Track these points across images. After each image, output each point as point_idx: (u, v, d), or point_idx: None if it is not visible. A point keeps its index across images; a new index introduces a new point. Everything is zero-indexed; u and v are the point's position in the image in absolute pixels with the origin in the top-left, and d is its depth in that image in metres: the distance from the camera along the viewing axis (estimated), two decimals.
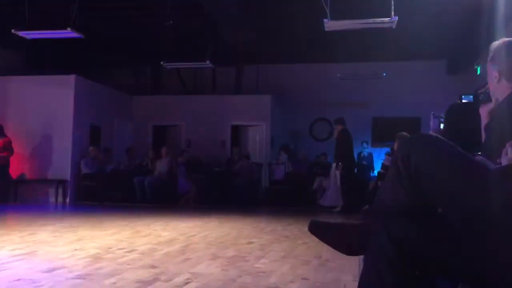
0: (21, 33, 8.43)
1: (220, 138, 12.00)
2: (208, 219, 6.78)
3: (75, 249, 3.83)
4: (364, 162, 11.43)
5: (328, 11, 6.75)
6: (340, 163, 8.64)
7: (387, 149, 9.38)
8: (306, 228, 5.31)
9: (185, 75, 12.86)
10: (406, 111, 11.62)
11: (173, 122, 12.48)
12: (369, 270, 1.34)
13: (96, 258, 3.46)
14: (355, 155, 10.20)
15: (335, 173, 8.93)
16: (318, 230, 1.54)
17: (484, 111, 1.83)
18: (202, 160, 11.29)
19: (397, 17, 6.63)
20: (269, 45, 11.21)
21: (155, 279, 2.78)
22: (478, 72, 9.55)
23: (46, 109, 10.34)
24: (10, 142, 9.64)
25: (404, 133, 5.79)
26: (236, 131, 12.27)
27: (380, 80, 11.51)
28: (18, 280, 2.70)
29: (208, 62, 9.70)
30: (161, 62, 9.87)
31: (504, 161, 1.39)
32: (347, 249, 1.51)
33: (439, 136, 1.41)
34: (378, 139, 11.99)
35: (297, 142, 12.36)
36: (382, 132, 11.83)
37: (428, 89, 11.60)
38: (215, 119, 11.95)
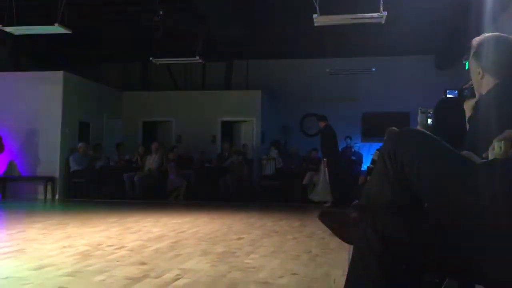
0: (8, 29, 8.33)
1: (211, 134, 11.97)
2: (198, 215, 6.77)
3: (64, 247, 3.81)
4: (354, 157, 11.47)
5: (317, 6, 6.74)
6: (325, 159, 8.67)
7: (377, 144, 9.44)
8: (295, 223, 5.36)
9: (174, 70, 12.81)
10: (396, 106, 11.68)
11: (163, 118, 12.43)
12: (357, 264, 1.35)
13: (85, 255, 3.44)
14: (340, 150, 10.26)
15: (325, 168, 8.96)
16: (327, 218, 1.59)
17: (468, 106, 1.85)
18: (192, 156, 11.28)
19: (386, 12, 6.65)
20: (259, 41, 11.20)
21: (145, 276, 2.78)
22: (467, 67, 9.61)
23: (34, 106, 10.23)
24: (1, 139, 9.62)
25: (395, 128, 5.82)
26: (227, 126, 12.25)
27: (370, 75, 11.55)
28: (6, 278, 2.68)
29: (197, 57, 9.67)
30: (150, 58, 9.81)
31: (491, 156, 1.40)
32: (345, 238, 1.55)
33: (426, 131, 1.42)
34: (368, 134, 12.05)
35: (287, 137, 12.39)
36: (371, 127, 11.89)
37: (417, 84, 11.67)
38: (205, 115, 11.93)
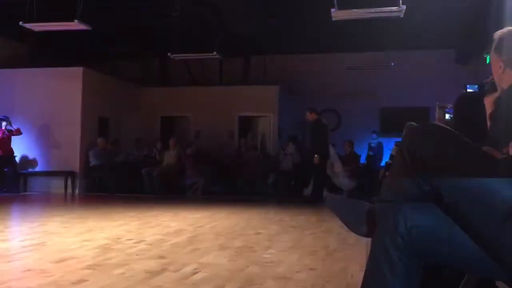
0: (29, 25, 8.46)
1: (228, 129, 12.00)
2: (215, 210, 6.81)
3: (84, 240, 3.87)
4: (371, 153, 11.39)
5: (335, 1, 6.70)
6: (316, 155, 8.36)
7: (396, 139, 9.35)
8: (313, 218, 5.35)
9: (192, 66, 12.86)
10: (414, 101, 11.54)
11: (181, 113, 12.50)
12: (375, 260, 1.34)
13: (105, 248, 3.50)
14: (366, 145, 10.23)
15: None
16: (333, 204, 1.58)
17: (489, 101, 1.82)
18: (210, 151, 11.32)
19: (405, 6, 6.57)
20: (276, 35, 11.16)
21: (164, 269, 2.81)
22: (488, 61, 9.47)
23: (55, 101, 10.40)
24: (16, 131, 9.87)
25: (413, 123, 5.76)
26: (244, 122, 12.26)
27: (388, 70, 11.42)
28: (29, 270, 2.74)
29: (215, 53, 9.69)
30: (168, 54, 9.87)
31: None
32: (356, 229, 1.53)
33: (445, 126, 1.41)
34: (386, 130, 11.94)
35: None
36: (390, 122, 11.77)
37: (437, 79, 11.51)
38: (223, 110, 11.95)
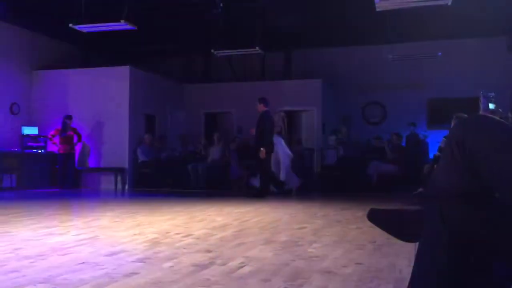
0: (78, 27, 8.77)
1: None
2: (260, 205, 6.85)
3: (135, 234, 3.99)
4: (418, 145, 11.11)
5: None
6: (262, 148, 8.16)
7: (445, 132, 9.09)
8: (359, 213, 5.30)
9: (234, 62, 12.94)
10: (463, 91, 11.15)
11: (224, 109, 12.62)
12: (424, 255, 1.32)
13: (155, 242, 3.59)
14: (404, 137, 10.02)
15: (281, 157, 8.82)
16: (377, 218, 1.54)
17: None
18: (253, 146, 11.36)
19: None
20: (319, 28, 11.06)
21: (211, 263, 2.86)
22: None
23: (104, 100, 10.76)
24: (75, 130, 10.34)
25: (462, 114, 5.59)
26: (287, 116, 12.22)
27: (435, 60, 11.10)
28: (83, 263, 2.86)
29: (257, 48, 9.72)
30: (212, 50, 9.98)
31: None
32: (406, 236, 1.50)
33: (496, 117, 1.36)
34: (434, 122, 11.61)
35: (349, 126, 12.19)
36: (438, 114, 11.43)
37: (487, 67, 11.09)
38: None
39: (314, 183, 10.60)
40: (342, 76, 12.28)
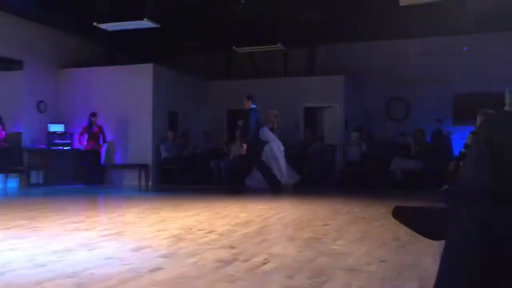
0: (102, 26, 8.91)
1: (294, 121, 11.99)
2: (282, 201, 6.85)
3: (159, 230, 4.04)
4: (443, 141, 10.91)
5: None
6: (244, 144, 8.22)
7: (470, 128, 8.91)
8: (383, 210, 5.24)
9: (257, 58, 12.93)
10: (491, 86, 10.89)
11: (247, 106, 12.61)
12: (451, 254, 1.30)
13: (178, 238, 3.63)
14: (428, 133, 9.90)
15: (277, 151, 8.84)
16: (402, 216, 1.53)
17: None
18: None
19: None
20: (342, 24, 10.96)
21: (234, 259, 2.87)
22: None
23: (127, 97, 10.89)
24: (101, 128, 10.54)
25: (487, 110, 5.48)
26: (310, 113, 12.19)
27: (461, 54, 10.90)
28: (109, 258, 2.91)
29: (279, 44, 9.70)
30: (233, 47, 9.99)
31: None
32: (432, 234, 1.48)
33: None
34: (460, 117, 11.39)
35: (372, 122, 12.07)
36: (464, 109, 11.20)
37: None
38: (288, 102, 11.94)
39: (336, 179, 10.54)
40: (365, 72, 12.15)
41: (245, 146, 8.19)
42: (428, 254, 3.03)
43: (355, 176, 10.17)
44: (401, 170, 9.62)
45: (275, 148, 9.06)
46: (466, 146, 7.26)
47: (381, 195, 7.99)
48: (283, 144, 10.73)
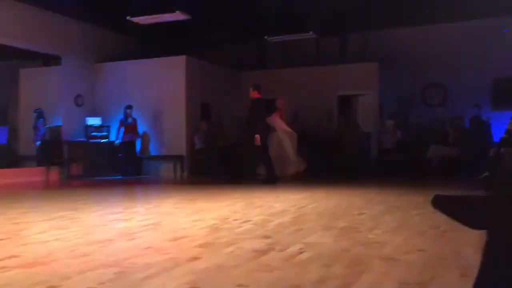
0: (135, 19, 9.03)
1: (327, 109, 11.89)
2: (316, 191, 6.83)
3: (195, 220, 4.10)
4: (482, 127, 10.59)
5: None
6: (257, 135, 8.09)
7: (510, 113, 8.62)
8: (420, 198, 5.17)
9: (289, 47, 12.85)
10: None
11: (279, 95, 12.57)
12: (494, 243, 1.27)
13: (214, 228, 3.68)
14: (467, 119, 9.62)
15: (283, 140, 8.84)
16: (442, 204, 1.50)
17: None
18: (309, 132, 11.32)
19: None
20: (374, 9, 10.75)
21: (270, 249, 2.89)
22: None
23: (161, 90, 11.06)
24: (135, 121, 10.74)
25: None
26: (343, 101, 12.06)
27: (501, 37, 10.52)
28: (148, 248, 2.98)
29: (311, 32, 9.61)
30: (265, 37, 9.96)
31: None
32: (473, 223, 1.45)
33: None
34: (499, 102, 11.04)
35: (408, 109, 11.84)
36: (503, 94, 10.85)
37: None
38: (321, 90, 11.85)
39: (371, 168, 10.42)
40: (400, 58, 11.90)
41: (257, 137, 8.13)
42: (468, 243, 2.97)
43: (390, 164, 10.03)
44: (438, 157, 9.42)
45: (282, 137, 9.05)
46: (508, 132, 7.04)
47: (416, 184, 7.86)
48: (316, 133, 10.70)
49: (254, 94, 8.45)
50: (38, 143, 10.92)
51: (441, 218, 3.99)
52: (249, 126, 8.37)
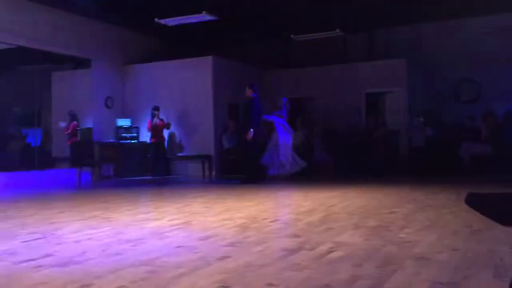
0: (163, 21, 9.14)
1: (355, 107, 11.77)
2: (346, 190, 6.77)
3: (224, 219, 4.12)
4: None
5: None
6: (251, 130, 8.23)
7: None
8: (452, 197, 5.07)
9: (315, 45, 12.76)
10: None
11: (306, 93, 12.53)
12: None
13: (244, 227, 3.69)
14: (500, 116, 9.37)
15: (280, 140, 8.84)
16: (476, 202, 1.47)
17: None
18: (337, 131, 11.23)
19: None
20: (402, 5, 10.57)
21: (300, 248, 2.88)
22: None
23: (189, 90, 11.15)
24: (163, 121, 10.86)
25: None
26: (371, 99, 11.91)
27: None
28: (179, 247, 3.01)
29: (338, 30, 9.53)
30: (291, 35, 9.92)
31: None
32: (508, 221, 1.42)
33: None
34: None
35: (439, 105, 11.60)
36: None
37: None
38: (349, 88, 11.73)
39: (401, 166, 10.26)
40: (429, 54, 11.66)
41: (251, 132, 8.29)
42: (502, 242, 2.90)
43: (420, 162, 9.86)
44: (470, 155, 9.21)
45: (279, 136, 9.08)
46: None
47: (448, 182, 7.71)
48: (344, 132, 10.61)
49: (249, 93, 8.61)
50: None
51: (474, 217, 3.91)
52: (245, 125, 8.58)
